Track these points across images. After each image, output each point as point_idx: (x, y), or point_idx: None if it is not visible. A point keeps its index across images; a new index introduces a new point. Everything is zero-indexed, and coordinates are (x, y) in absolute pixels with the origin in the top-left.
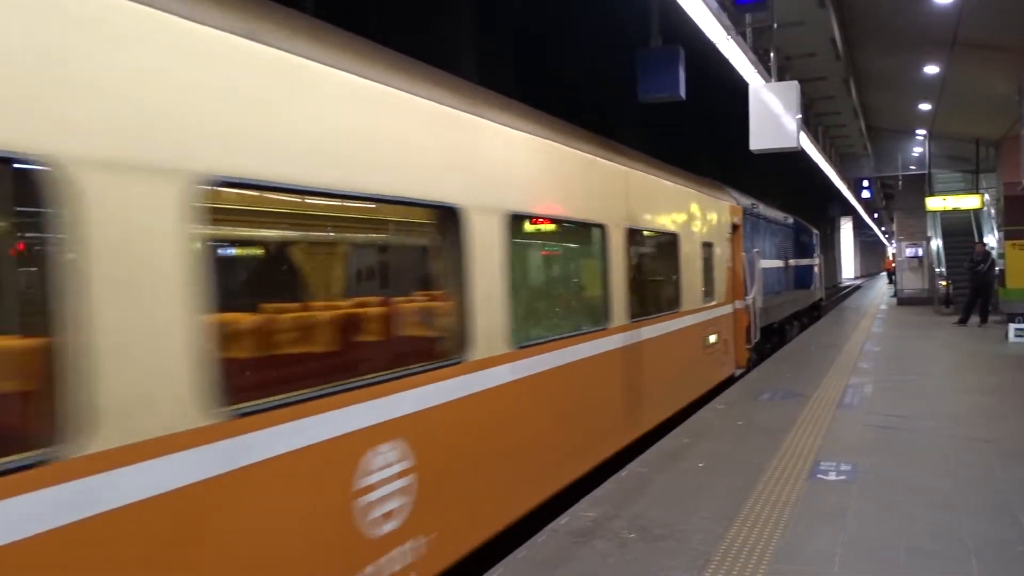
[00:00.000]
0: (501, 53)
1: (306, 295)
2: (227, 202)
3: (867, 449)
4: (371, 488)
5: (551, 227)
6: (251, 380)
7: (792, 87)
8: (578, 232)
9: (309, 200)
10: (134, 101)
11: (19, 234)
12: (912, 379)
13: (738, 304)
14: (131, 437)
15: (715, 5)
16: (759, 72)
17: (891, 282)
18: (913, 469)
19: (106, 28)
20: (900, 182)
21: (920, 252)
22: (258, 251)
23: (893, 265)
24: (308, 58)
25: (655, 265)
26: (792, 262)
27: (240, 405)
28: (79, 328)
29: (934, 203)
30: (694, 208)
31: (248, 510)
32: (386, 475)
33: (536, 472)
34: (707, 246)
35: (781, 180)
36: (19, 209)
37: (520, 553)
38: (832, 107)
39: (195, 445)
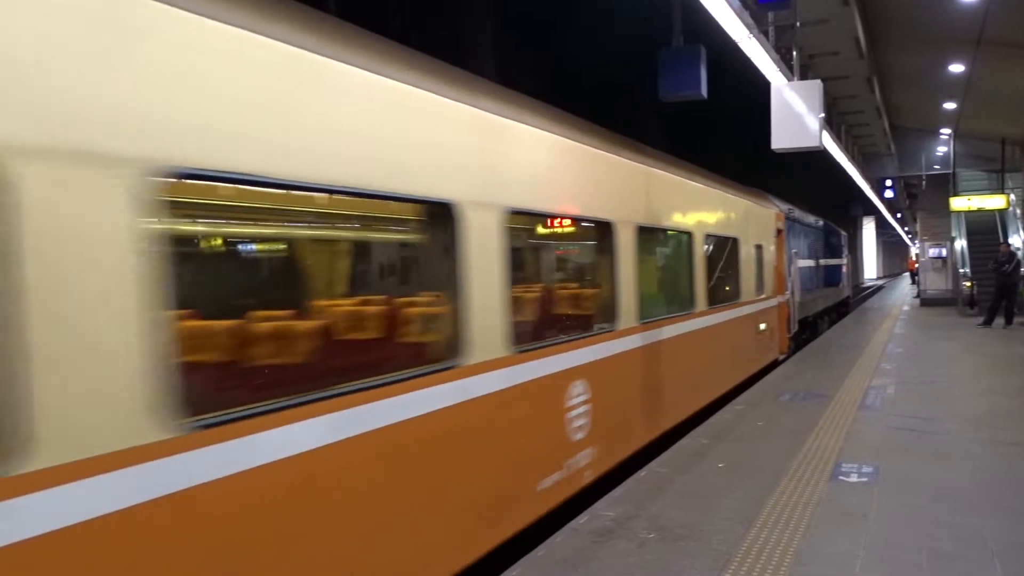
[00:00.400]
0: (520, 52)
1: (548, 281)
2: (511, 222)
3: (889, 451)
4: (571, 408)
5: (660, 235)
6: (520, 331)
7: (815, 86)
8: (676, 239)
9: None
10: (483, 171)
11: (441, 240)
12: (935, 381)
13: (780, 298)
14: (481, 358)
15: (737, 4)
16: (781, 71)
17: (914, 282)
18: (936, 471)
19: (484, 137)
20: (924, 182)
21: (944, 252)
22: (528, 254)
23: (916, 265)
24: (595, 148)
25: (722, 263)
26: (823, 262)
27: (520, 346)
28: (462, 294)
29: (958, 203)
30: (748, 215)
31: (521, 409)
32: (578, 401)
33: (652, 414)
34: (758, 248)
35: (802, 179)
36: (441, 227)
37: (539, 552)
38: (855, 106)
39: (503, 367)
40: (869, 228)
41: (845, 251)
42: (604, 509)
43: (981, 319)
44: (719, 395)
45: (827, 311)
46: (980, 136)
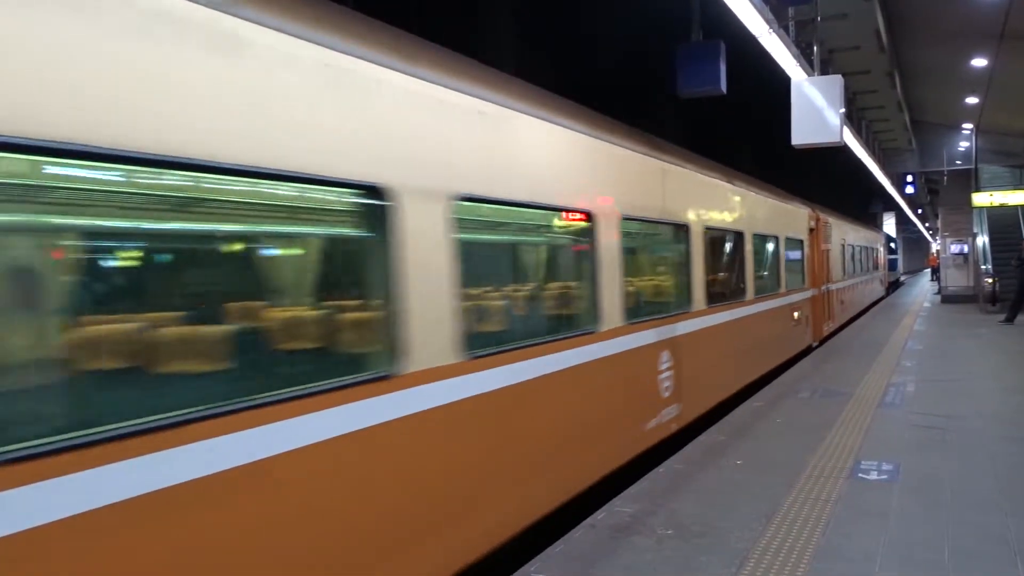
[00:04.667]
0: (538, 46)
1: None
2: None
3: (910, 449)
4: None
5: (853, 247)
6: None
7: (835, 81)
8: (851, 248)
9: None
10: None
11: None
12: (956, 378)
13: (883, 272)
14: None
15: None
16: (801, 66)
17: (935, 279)
18: (957, 470)
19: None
20: (945, 177)
21: (965, 249)
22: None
23: (937, 262)
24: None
25: (860, 260)
26: (889, 256)
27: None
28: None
29: (981, 199)
30: (878, 237)
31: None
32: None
33: (859, 301)
34: (877, 251)
35: (822, 173)
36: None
37: (556, 547)
38: (876, 101)
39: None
40: (889, 224)
41: (899, 250)
42: (622, 505)
43: (1003, 316)
44: (869, 304)
45: (892, 283)
46: (1003, 131)
